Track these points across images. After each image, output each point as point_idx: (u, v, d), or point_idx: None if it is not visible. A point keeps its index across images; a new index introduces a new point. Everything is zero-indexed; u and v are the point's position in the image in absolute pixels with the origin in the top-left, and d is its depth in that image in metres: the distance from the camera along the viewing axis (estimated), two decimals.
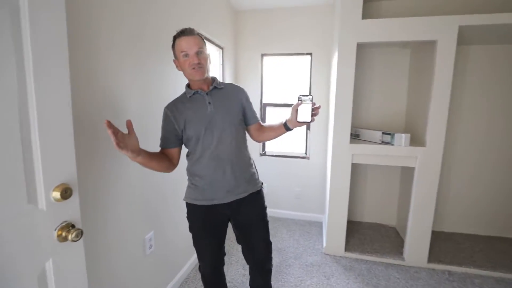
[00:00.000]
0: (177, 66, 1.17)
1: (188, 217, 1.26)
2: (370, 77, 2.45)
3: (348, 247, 2.19)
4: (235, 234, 1.32)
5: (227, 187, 1.17)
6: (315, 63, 2.60)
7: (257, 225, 1.27)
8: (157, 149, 1.20)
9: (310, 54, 2.61)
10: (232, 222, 1.27)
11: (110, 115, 1.15)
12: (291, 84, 2.76)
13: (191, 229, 1.26)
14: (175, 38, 1.12)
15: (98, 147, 1.09)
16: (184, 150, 1.25)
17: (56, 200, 0.76)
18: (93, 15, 1.05)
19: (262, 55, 2.74)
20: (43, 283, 0.75)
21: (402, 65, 2.38)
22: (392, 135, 1.94)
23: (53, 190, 0.75)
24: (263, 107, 2.81)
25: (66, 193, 0.77)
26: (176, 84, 1.60)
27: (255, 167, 1.31)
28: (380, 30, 1.85)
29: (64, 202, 0.78)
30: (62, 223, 0.79)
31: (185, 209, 1.26)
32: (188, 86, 1.21)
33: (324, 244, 2.21)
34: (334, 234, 2.14)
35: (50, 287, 0.77)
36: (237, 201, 1.19)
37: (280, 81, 2.79)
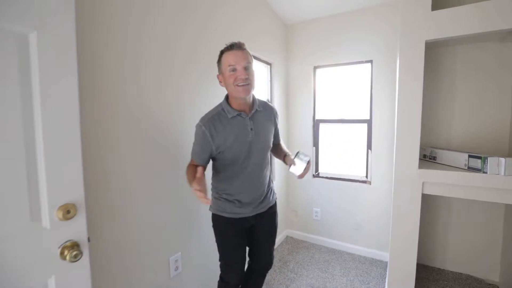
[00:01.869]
0: (220, 82, 1.15)
1: (216, 228, 1.28)
2: (452, 83, 1.93)
3: None
4: (249, 239, 1.33)
5: (254, 204, 1.25)
6: (377, 71, 2.23)
7: (271, 235, 1.37)
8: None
9: (371, 61, 2.27)
10: (250, 230, 1.31)
11: (139, 127, 1.20)
12: (348, 97, 2.45)
13: (221, 240, 1.28)
14: (222, 52, 1.11)
15: (119, 165, 1.14)
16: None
17: (59, 219, 0.78)
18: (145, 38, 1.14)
19: (315, 68, 2.55)
20: None
21: (502, 65, 1.79)
22: (483, 158, 1.43)
23: (58, 209, 0.78)
24: (316, 123, 2.57)
25: (68, 213, 0.79)
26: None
27: (270, 174, 1.36)
28: (458, 21, 1.43)
29: (68, 221, 0.81)
30: (66, 242, 0.81)
31: None
32: (227, 101, 1.16)
33: None
34: (398, 281, 1.69)
35: None
36: (260, 214, 1.28)
37: (335, 95, 2.52)
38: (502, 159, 1.37)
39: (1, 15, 0.65)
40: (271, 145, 1.30)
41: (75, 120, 0.81)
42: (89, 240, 0.89)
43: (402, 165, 1.62)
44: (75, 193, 0.83)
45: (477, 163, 1.47)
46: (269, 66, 2.39)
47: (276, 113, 1.34)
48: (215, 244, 1.35)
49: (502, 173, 1.37)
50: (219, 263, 1.32)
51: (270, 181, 1.33)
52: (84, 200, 0.85)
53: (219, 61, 1.12)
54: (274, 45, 2.40)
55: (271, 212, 1.34)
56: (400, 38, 1.58)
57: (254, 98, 1.20)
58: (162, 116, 1.31)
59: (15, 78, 0.68)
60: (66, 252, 0.79)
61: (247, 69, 1.07)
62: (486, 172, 1.41)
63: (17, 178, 0.71)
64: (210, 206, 1.28)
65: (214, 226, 1.29)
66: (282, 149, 1.40)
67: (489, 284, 1.87)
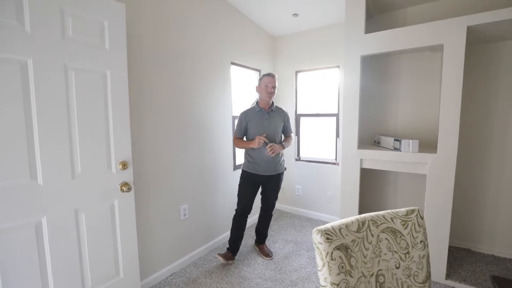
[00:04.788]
0: (257, 90, 2.13)
1: (241, 177, 2.15)
2: (397, 84, 2.46)
3: None
4: (262, 190, 2.19)
5: (267, 167, 2.07)
6: (343, 74, 2.78)
7: (275, 190, 2.19)
8: (219, 144, 2.40)
9: (338, 66, 2.83)
10: (263, 184, 2.15)
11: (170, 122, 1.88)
12: (322, 96, 3.02)
13: (241, 184, 2.14)
14: (263, 75, 2.08)
15: (152, 140, 1.83)
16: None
17: (120, 169, 1.47)
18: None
19: (296, 72, 3.13)
20: (112, 211, 1.46)
21: (434, 70, 2.30)
22: (400, 141, 1.98)
23: (119, 163, 1.47)
24: (297, 117, 3.16)
25: (124, 166, 1.48)
26: (217, 99, 2.27)
27: (282, 156, 2.18)
28: (383, 41, 1.98)
29: (124, 170, 1.50)
30: (122, 182, 1.50)
31: (217, 191, 2.43)
32: (257, 103, 2.10)
33: None
34: None
35: (116, 214, 1.48)
36: (270, 175, 2.10)
37: (312, 94, 3.09)
38: (410, 141, 1.93)
39: (95, 61, 1.33)
40: (280, 132, 2.15)
41: (127, 115, 1.49)
42: (134, 183, 1.58)
43: (347, 147, 2.20)
44: (127, 155, 1.51)
45: (397, 144, 2.03)
46: (258, 72, 3.01)
47: (287, 115, 2.23)
48: (213, 202, 2.22)
49: (410, 151, 1.93)
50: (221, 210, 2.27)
51: (280, 156, 2.13)
52: (131, 160, 1.54)
53: (260, 79, 2.10)
54: (262, 54, 3.01)
55: (278, 176, 2.16)
56: (344, 53, 2.15)
57: (273, 103, 2.12)
58: (185, 102, 1.98)
59: (101, 94, 1.37)
60: (123, 187, 1.48)
61: (273, 87, 2.06)
62: (401, 151, 1.97)
63: (103, 147, 1.40)
64: (243, 164, 2.16)
65: (240, 176, 2.15)
66: (284, 140, 2.21)
67: None
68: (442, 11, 2.15)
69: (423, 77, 2.35)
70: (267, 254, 2.25)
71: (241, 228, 2.15)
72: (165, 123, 1.91)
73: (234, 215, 2.16)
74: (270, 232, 2.72)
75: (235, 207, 2.17)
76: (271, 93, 2.04)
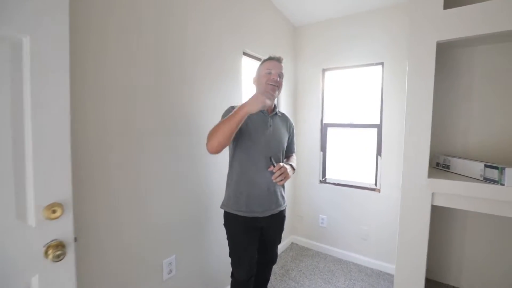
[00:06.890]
0: (254, 82, 1.39)
1: (228, 227, 1.35)
2: (469, 87, 1.80)
3: None
4: (260, 237, 1.39)
5: (268, 204, 1.31)
6: (388, 74, 2.14)
7: (279, 235, 1.49)
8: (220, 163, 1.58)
9: (382, 63, 2.18)
10: (261, 230, 1.37)
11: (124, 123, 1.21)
12: (358, 101, 2.36)
13: (233, 237, 1.34)
14: (264, 60, 1.36)
15: (109, 166, 1.15)
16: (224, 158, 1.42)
17: (46, 218, 0.79)
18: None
19: (324, 70, 2.48)
20: None
21: None
22: (500, 169, 1.31)
23: (44, 209, 0.79)
24: (324, 127, 2.50)
25: (54, 212, 0.80)
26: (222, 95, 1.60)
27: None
28: (472, 20, 1.33)
29: (55, 221, 0.82)
30: (51, 241, 0.82)
31: (212, 231, 1.57)
32: None
33: None
34: None
35: None
36: (272, 215, 1.34)
37: (344, 98, 2.44)
38: None
39: None
40: (285, 148, 1.44)
41: (65, 123, 0.82)
42: (76, 240, 0.89)
43: (410, 174, 1.52)
44: (63, 193, 0.83)
45: (493, 173, 1.35)
46: None
47: (292, 124, 1.53)
48: (213, 245, 1.49)
49: None
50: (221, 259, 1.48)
51: (283, 186, 1.41)
52: (71, 200, 0.86)
53: (260, 66, 1.37)
54: (281, 47, 2.37)
55: (282, 216, 1.43)
56: (409, 39, 1.50)
57: (275, 105, 1.44)
58: (154, 118, 1.31)
59: (7, 79, 0.70)
60: (50, 251, 0.80)
61: (279, 76, 1.32)
62: (503, 184, 1.29)
63: (3, 177, 0.72)
64: (223, 204, 1.36)
65: (226, 225, 1.35)
66: (289, 160, 1.48)
67: None
68: None
69: (508, 78, 1.69)
70: None
71: None
72: (134, 138, 1.24)
73: (232, 283, 1.38)
74: (289, 281, 2.01)
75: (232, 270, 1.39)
76: (276, 84, 1.29)
